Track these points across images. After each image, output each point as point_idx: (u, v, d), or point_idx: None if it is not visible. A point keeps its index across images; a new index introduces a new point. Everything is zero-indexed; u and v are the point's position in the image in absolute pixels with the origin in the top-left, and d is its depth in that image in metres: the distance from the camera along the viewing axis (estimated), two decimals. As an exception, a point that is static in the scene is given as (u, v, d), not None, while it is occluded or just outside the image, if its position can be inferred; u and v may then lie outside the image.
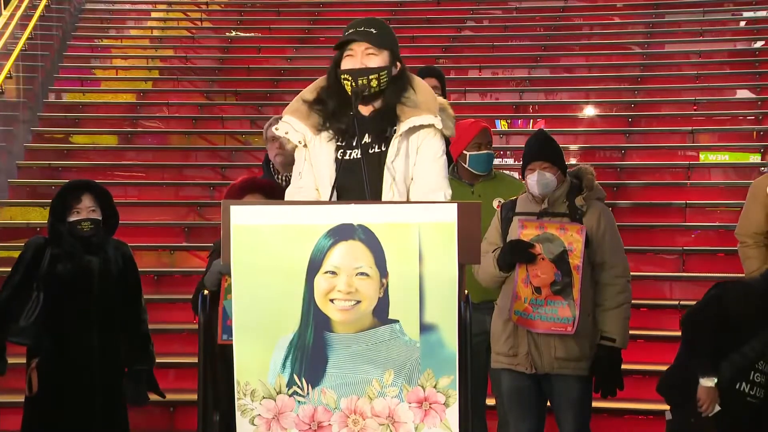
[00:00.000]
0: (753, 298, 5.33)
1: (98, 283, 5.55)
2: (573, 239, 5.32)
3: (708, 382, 5.20)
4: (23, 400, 5.67)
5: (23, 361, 5.64)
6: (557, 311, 5.33)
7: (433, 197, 3.93)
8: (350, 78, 3.92)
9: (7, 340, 5.56)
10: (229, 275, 4.26)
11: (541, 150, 5.50)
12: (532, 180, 5.43)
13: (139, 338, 5.69)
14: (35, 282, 5.50)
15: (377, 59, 3.95)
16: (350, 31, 3.97)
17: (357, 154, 3.96)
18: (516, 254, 5.38)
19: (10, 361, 5.67)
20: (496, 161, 6.50)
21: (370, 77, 3.92)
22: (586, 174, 5.51)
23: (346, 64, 3.96)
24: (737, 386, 5.28)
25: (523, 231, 5.43)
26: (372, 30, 3.96)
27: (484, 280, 5.54)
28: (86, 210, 5.54)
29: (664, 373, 5.59)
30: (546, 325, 5.35)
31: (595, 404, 5.62)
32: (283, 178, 5.74)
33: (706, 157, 11.10)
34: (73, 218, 5.52)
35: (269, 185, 5.30)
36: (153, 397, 5.80)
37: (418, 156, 3.99)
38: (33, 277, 5.51)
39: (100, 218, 5.57)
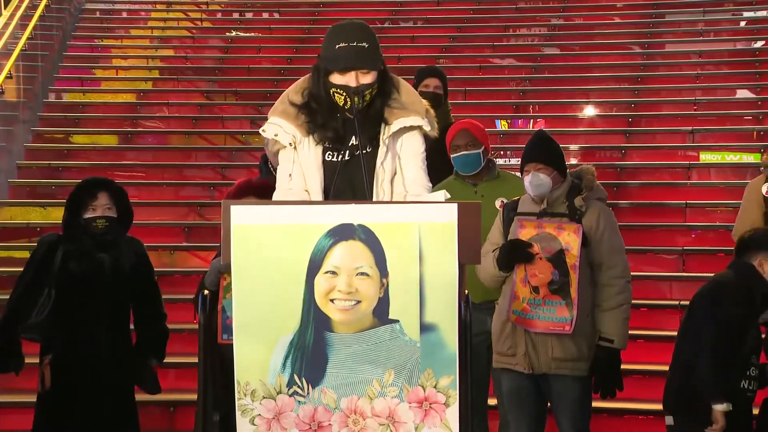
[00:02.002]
0: (739, 295, 5.33)
1: (110, 280, 5.55)
2: (570, 239, 5.33)
3: (722, 407, 5.20)
4: (26, 399, 5.67)
5: (30, 360, 5.64)
6: (555, 311, 5.34)
7: (414, 189, 3.95)
8: (345, 95, 3.90)
9: (19, 336, 5.56)
10: (228, 274, 4.26)
11: (536, 151, 5.52)
12: (527, 181, 5.46)
13: (157, 335, 5.74)
14: (47, 279, 5.50)
15: (371, 75, 3.92)
16: (342, 45, 3.88)
17: (345, 156, 3.98)
18: (514, 254, 5.40)
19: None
20: (497, 161, 6.48)
21: (365, 93, 3.91)
22: (586, 174, 5.51)
23: (340, 79, 3.91)
24: (741, 385, 5.30)
25: (521, 231, 5.44)
26: (364, 44, 3.89)
27: (485, 279, 5.55)
28: (102, 208, 5.55)
29: (667, 384, 5.56)
30: (544, 324, 5.36)
31: (595, 404, 5.62)
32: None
33: (706, 157, 11.11)
34: (88, 215, 5.53)
35: (262, 186, 5.28)
36: (151, 397, 5.79)
37: (401, 152, 4.00)
38: (45, 274, 5.51)
39: (115, 216, 5.58)
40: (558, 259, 5.32)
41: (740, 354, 5.30)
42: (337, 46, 3.90)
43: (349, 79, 3.90)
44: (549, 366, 5.39)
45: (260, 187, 5.22)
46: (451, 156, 6.06)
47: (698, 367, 5.26)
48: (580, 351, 5.37)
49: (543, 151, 5.51)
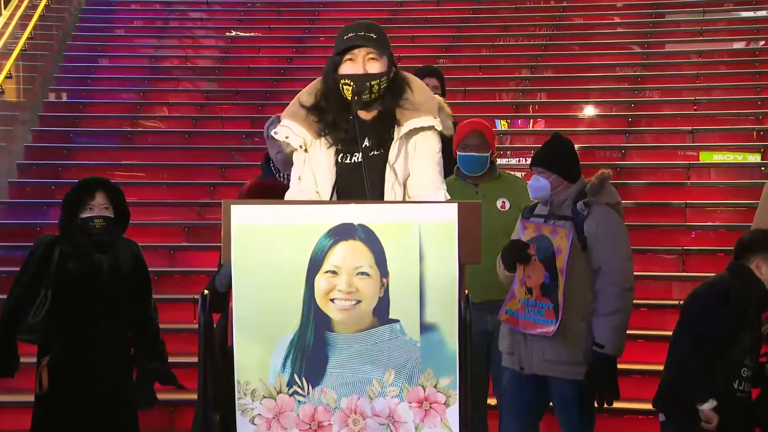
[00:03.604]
0: (735, 297, 5.32)
1: (108, 281, 5.53)
2: (561, 242, 5.32)
3: (708, 406, 5.20)
4: (25, 399, 5.66)
5: (28, 360, 5.64)
6: (544, 313, 5.35)
7: (430, 192, 3.94)
8: (352, 84, 3.90)
9: (16, 337, 5.55)
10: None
11: (540, 154, 5.57)
12: (528, 184, 5.51)
13: (149, 337, 5.69)
14: (44, 279, 5.49)
15: (378, 64, 3.93)
16: (350, 35, 3.93)
17: (358, 158, 3.97)
18: (513, 254, 5.41)
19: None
20: (497, 161, 6.49)
21: (372, 83, 3.91)
22: (593, 179, 5.48)
23: (347, 69, 3.93)
24: (732, 385, 5.29)
25: (524, 232, 5.47)
26: (372, 35, 3.93)
27: (500, 277, 5.57)
28: (99, 207, 5.52)
29: (660, 382, 5.55)
30: (531, 325, 5.37)
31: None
32: (284, 176, 5.71)
33: (706, 157, 11.11)
34: (85, 215, 5.51)
35: (274, 188, 5.24)
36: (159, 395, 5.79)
37: (415, 153, 3.99)
38: (42, 275, 5.50)
39: (113, 216, 5.57)
40: (549, 261, 5.33)
41: (733, 355, 5.29)
42: (346, 37, 3.94)
43: (357, 67, 3.91)
44: (540, 367, 5.40)
45: (273, 188, 5.17)
46: (459, 153, 6.06)
47: (689, 367, 5.26)
48: (572, 355, 5.34)
49: (546, 154, 5.53)
